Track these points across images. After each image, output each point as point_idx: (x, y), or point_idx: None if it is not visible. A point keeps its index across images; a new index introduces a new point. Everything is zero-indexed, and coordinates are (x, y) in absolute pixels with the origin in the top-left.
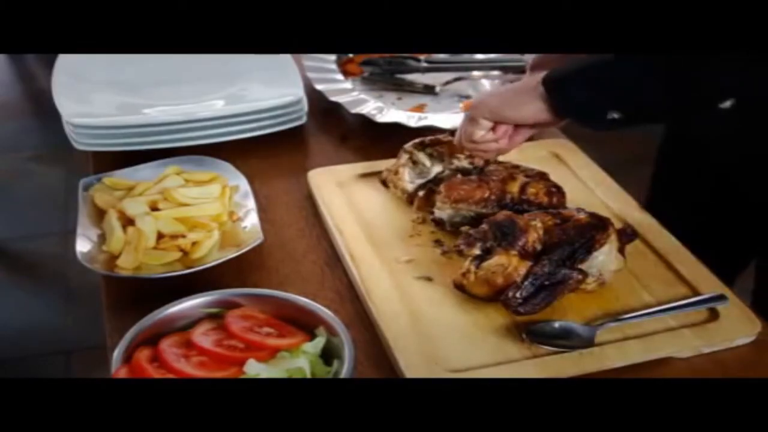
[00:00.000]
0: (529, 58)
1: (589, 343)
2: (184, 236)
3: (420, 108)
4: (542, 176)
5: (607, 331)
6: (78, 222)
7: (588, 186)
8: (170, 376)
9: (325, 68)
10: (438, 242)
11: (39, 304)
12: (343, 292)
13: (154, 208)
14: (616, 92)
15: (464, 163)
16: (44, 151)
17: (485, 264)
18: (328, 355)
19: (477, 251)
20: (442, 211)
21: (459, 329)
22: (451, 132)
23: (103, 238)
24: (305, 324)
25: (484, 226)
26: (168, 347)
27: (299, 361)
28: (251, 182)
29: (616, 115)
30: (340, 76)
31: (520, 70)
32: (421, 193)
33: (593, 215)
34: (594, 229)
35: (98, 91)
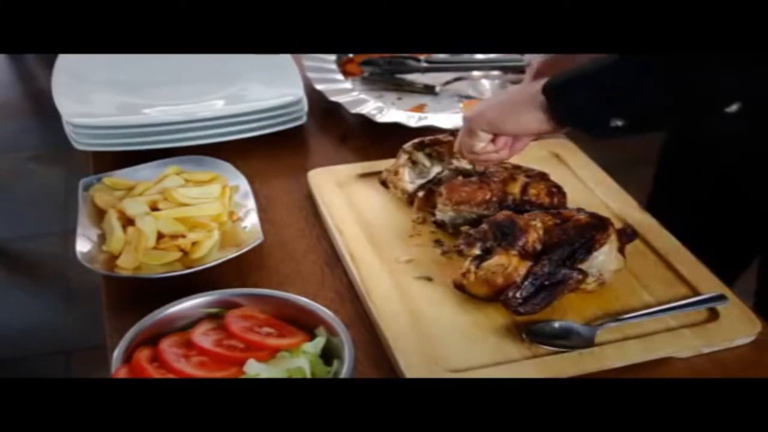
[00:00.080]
0: (528, 58)
1: (589, 343)
2: (184, 236)
3: (420, 108)
4: (543, 177)
5: (607, 331)
6: (78, 222)
7: (588, 186)
8: (170, 376)
9: (325, 68)
10: (438, 242)
11: (39, 304)
12: (343, 292)
13: (154, 208)
14: (618, 99)
15: (464, 164)
16: (44, 151)
17: (485, 264)
18: (328, 355)
19: (477, 251)
20: (444, 213)
21: (459, 329)
22: (451, 132)
23: (103, 238)
24: (305, 324)
25: (484, 226)
26: (168, 347)
27: (299, 361)
28: (251, 182)
29: (619, 123)
30: (340, 76)
31: (520, 70)
32: (421, 194)
33: (593, 215)
34: (594, 229)
35: (98, 91)
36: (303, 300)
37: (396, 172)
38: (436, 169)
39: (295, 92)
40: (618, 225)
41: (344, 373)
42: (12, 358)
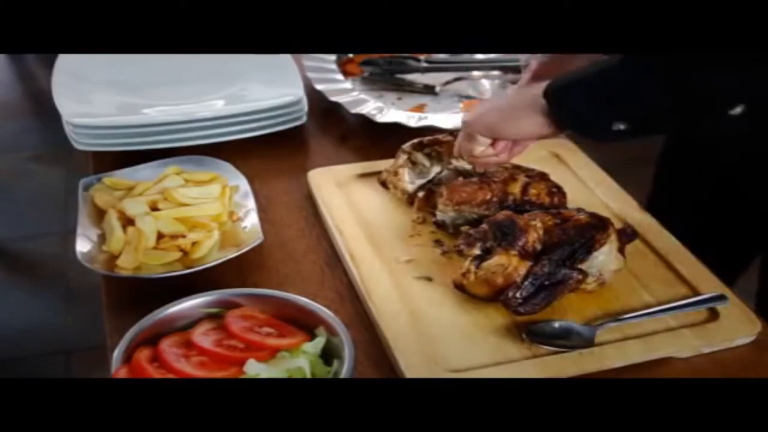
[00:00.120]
0: (526, 58)
1: (589, 343)
2: (184, 236)
3: (420, 108)
4: (543, 176)
5: (607, 331)
6: (78, 222)
7: (588, 186)
8: (170, 376)
9: (325, 68)
10: (438, 242)
11: (39, 304)
12: (343, 292)
13: (154, 208)
14: (620, 103)
15: (463, 164)
16: (44, 151)
17: (485, 264)
18: (328, 355)
19: (477, 251)
20: (444, 213)
21: (459, 329)
22: (450, 132)
23: (103, 238)
24: (305, 324)
25: (484, 226)
26: (168, 347)
27: (299, 361)
28: (251, 182)
29: (622, 127)
30: (340, 76)
31: (520, 71)
32: (421, 194)
33: (593, 215)
34: (594, 229)
35: (98, 91)
36: (303, 300)
37: (396, 173)
38: (435, 169)
39: (295, 92)
40: (618, 225)
41: (344, 373)
42: (12, 358)
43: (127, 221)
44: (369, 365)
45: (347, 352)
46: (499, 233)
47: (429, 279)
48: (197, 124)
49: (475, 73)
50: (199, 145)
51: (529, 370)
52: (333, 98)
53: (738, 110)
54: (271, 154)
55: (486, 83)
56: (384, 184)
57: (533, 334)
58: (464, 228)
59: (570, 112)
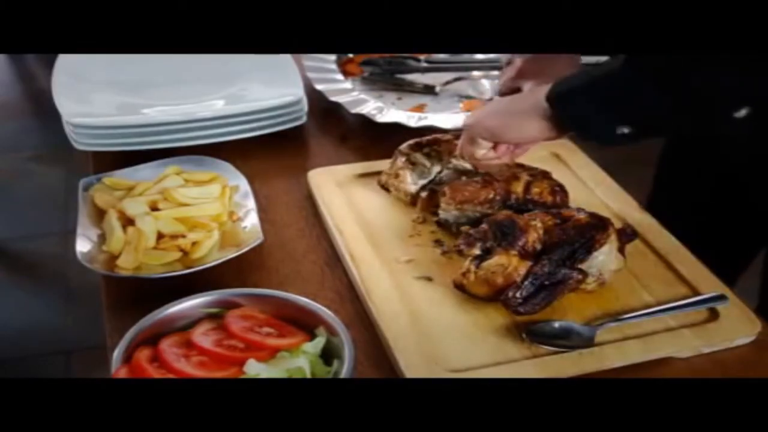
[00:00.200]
0: (507, 56)
1: (588, 343)
2: (184, 236)
3: (420, 108)
4: (545, 175)
5: (606, 331)
6: (78, 222)
7: (588, 186)
8: (170, 376)
9: (325, 68)
10: (438, 242)
11: (39, 304)
12: (343, 292)
13: (154, 208)
14: (622, 106)
15: (463, 163)
16: (44, 151)
17: (485, 264)
18: (328, 355)
19: (477, 251)
20: (447, 212)
21: (459, 329)
22: (449, 131)
23: (103, 238)
24: (305, 324)
25: (484, 226)
26: (168, 347)
27: (299, 361)
28: (251, 182)
29: (626, 130)
30: (340, 76)
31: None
32: (424, 194)
33: (593, 215)
34: (594, 229)
35: (98, 91)
36: (303, 300)
37: (397, 175)
38: (436, 169)
39: (295, 92)
40: (618, 225)
41: (344, 373)
42: (12, 358)
43: (127, 221)
44: (369, 365)
45: (347, 352)
46: (499, 233)
47: (429, 279)
48: (197, 124)
49: (475, 73)
50: (199, 145)
51: (529, 370)
52: (333, 98)
53: (743, 113)
54: (271, 154)
55: (486, 83)
56: (384, 187)
57: (533, 334)
58: (464, 228)
59: (573, 117)
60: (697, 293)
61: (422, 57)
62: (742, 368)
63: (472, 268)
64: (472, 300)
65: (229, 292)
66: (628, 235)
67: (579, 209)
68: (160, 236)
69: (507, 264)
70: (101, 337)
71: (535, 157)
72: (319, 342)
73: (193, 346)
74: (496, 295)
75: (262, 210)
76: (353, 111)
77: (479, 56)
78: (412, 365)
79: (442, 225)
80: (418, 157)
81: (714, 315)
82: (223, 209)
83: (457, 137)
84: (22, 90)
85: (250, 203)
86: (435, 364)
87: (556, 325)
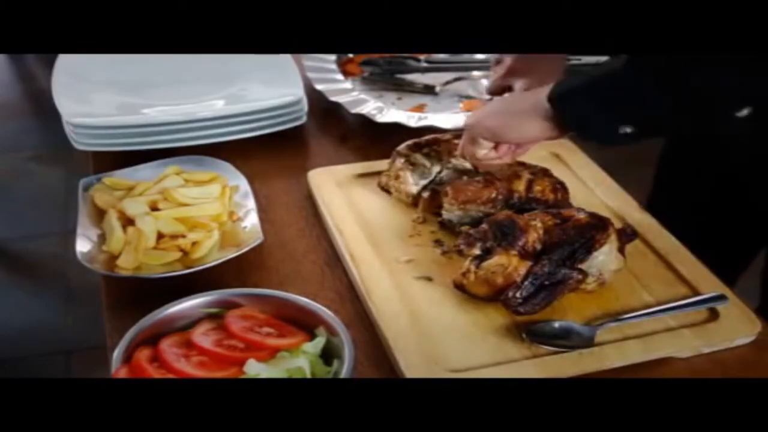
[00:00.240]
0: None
1: (588, 343)
2: (184, 236)
3: (420, 108)
4: (545, 172)
5: (606, 331)
6: (78, 222)
7: (588, 186)
8: (170, 376)
9: (325, 68)
10: (438, 242)
11: (39, 304)
12: (343, 292)
13: (154, 208)
14: (624, 106)
15: (462, 162)
16: (44, 151)
17: (485, 264)
18: (328, 355)
19: (477, 251)
20: (451, 212)
21: (459, 329)
22: (449, 131)
23: (103, 238)
24: (305, 324)
25: (484, 226)
26: (168, 347)
27: (299, 361)
28: (251, 182)
29: (628, 130)
30: (340, 76)
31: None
32: (425, 195)
33: (593, 215)
34: (594, 229)
35: (98, 91)
36: (303, 300)
37: (397, 177)
38: (435, 169)
39: (295, 92)
40: (618, 225)
41: (344, 373)
42: (12, 358)
43: (127, 221)
44: (369, 365)
45: (347, 352)
46: (499, 233)
47: (429, 279)
48: (197, 124)
49: (475, 73)
50: (199, 145)
51: (529, 370)
52: (333, 98)
53: (745, 112)
54: (271, 154)
55: (486, 83)
56: (385, 189)
57: (533, 334)
58: (464, 228)
59: (574, 117)
60: (697, 293)
61: (422, 57)
62: (742, 368)
63: (472, 268)
64: (472, 300)
65: (229, 292)
66: (628, 235)
67: (579, 209)
68: (160, 236)
69: (507, 264)
70: (101, 337)
71: (535, 157)
72: (319, 342)
73: (193, 346)
74: (496, 295)
75: (262, 210)
76: (353, 111)
77: (479, 56)
78: (412, 365)
79: (445, 225)
80: (418, 157)
81: (714, 315)
82: (223, 209)
83: (456, 137)
84: (22, 90)
85: (250, 203)
86: (435, 364)
87: (556, 325)
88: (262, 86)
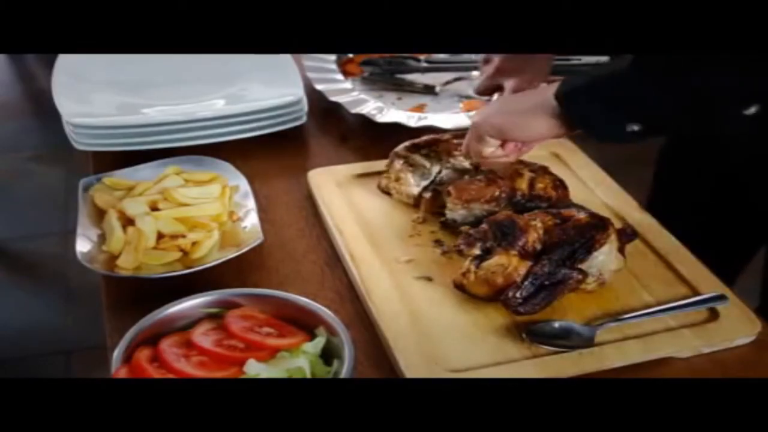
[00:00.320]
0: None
1: (588, 343)
2: (184, 236)
3: (420, 108)
4: (545, 170)
5: (606, 331)
6: (78, 222)
7: (588, 186)
8: (170, 376)
9: (325, 68)
10: (438, 242)
11: (39, 304)
12: (343, 292)
13: (154, 208)
14: (629, 104)
15: (461, 161)
16: (44, 151)
17: (485, 264)
18: (328, 355)
19: (477, 251)
20: (454, 212)
21: (459, 329)
22: (449, 131)
23: (103, 238)
24: (305, 324)
25: (484, 226)
26: (168, 347)
27: (299, 361)
28: (251, 182)
29: (635, 128)
30: (340, 76)
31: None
32: (427, 195)
33: (593, 215)
34: (594, 229)
35: (98, 91)
36: (303, 300)
37: (398, 178)
38: (435, 169)
39: (295, 92)
40: (618, 225)
41: (344, 373)
42: (12, 358)
43: (127, 221)
44: (369, 365)
45: (347, 352)
46: (499, 233)
47: (429, 279)
48: (197, 124)
49: (475, 73)
50: (199, 145)
51: (529, 370)
52: (333, 98)
53: (753, 110)
54: (271, 154)
55: None
56: (385, 191)
57: (533, 334)
58: (464, 228)
59: (581, 115)
60: (697, 293)
61: (422, 57)
62: (742, 368)
63: (472, 268)
64: (472, 300)
65: (229, 292)
66: (628, 235)
67: (579, 208)
68: (160, 236)
69: (507, 264)
70: (101, 337)
71: (535, 157)
72: (319, 342)
73: (193, 346)
74: (496, 295)
75: (262, 210)
76: (353, 111)
77: (479, 56)
78: (412, 365)
79: (448, 225)
80: (417, 158)
81: (714, 315)
82: (223, 209)
83: (455, 137)
84: (22, 90)
85: (250, 203)
86: (435, 364)
87: (556, 325)
88: (262, 86)
